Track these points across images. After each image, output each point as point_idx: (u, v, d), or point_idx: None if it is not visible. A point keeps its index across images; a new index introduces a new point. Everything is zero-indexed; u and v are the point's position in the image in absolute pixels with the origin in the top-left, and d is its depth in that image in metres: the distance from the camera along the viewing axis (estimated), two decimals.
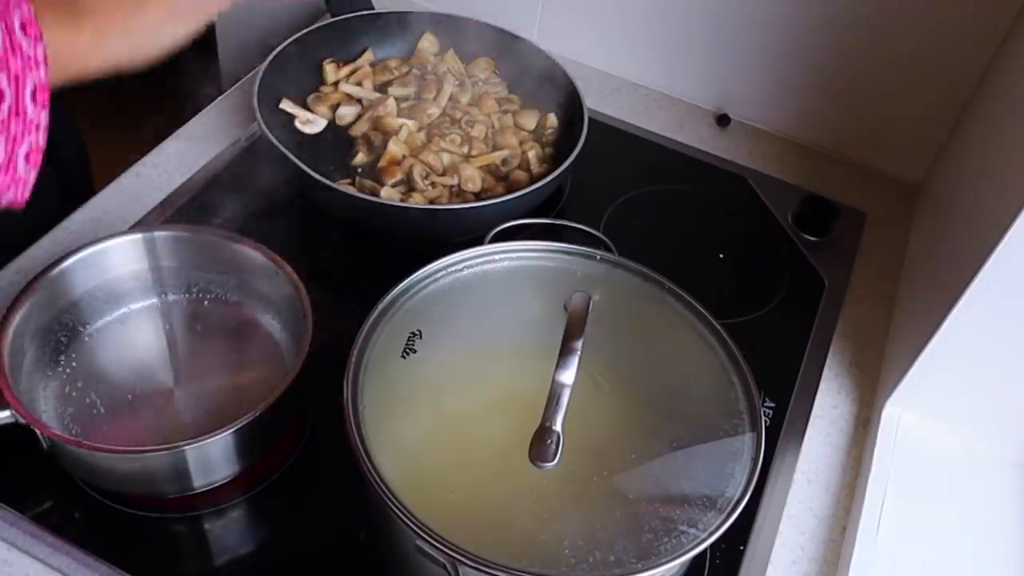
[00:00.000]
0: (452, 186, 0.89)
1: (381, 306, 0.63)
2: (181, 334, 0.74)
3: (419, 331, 0.62)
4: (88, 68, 0.55)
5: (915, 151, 1.05)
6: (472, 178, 0.89)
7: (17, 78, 0.50)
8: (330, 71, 0.99)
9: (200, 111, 1.00)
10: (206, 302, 0.76)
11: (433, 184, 0.88)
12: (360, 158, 0.92)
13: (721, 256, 0.94)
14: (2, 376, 0.61)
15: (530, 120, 0.97)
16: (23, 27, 0.51)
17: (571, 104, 0.96)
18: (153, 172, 0.92)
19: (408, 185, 0.88)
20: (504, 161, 0.92)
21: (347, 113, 0.96)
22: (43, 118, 0.53)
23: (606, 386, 0.62)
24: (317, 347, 0.65)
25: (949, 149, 1.00)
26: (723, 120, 1.11)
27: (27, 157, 0.53)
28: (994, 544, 0.71)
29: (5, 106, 0.50)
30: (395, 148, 0.90)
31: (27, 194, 0.55)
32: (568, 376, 0.57)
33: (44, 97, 0.53)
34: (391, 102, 0.95)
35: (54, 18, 0.52)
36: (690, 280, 0.68)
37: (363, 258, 0.88)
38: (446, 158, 0.91)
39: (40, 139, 0.53)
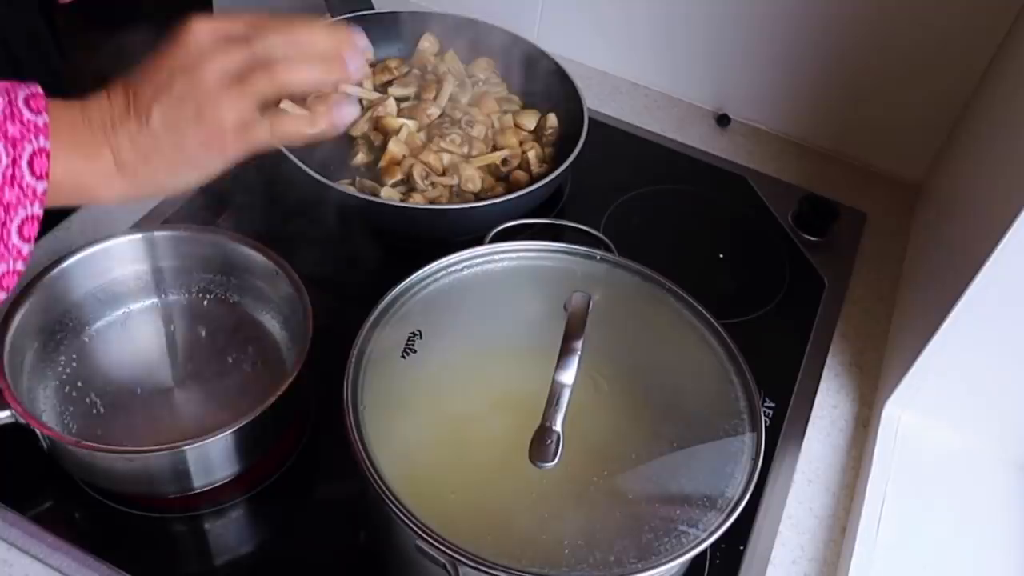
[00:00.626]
0: (452, 186, 0.89)
1: (381, 306, 0.63)
2: (181, 334, 0.74)
3: (419, 331, 0.62)
4: (96, 199, 0.54)
5: (915, 151, 1.05)
6: (472, 178, 0.89)
7: (15, 142, 0.49)
8: None
9: None
10: (206, 302, 0.76)
11: (433, 184, 0.88)
12: (360, 158, 0.92)
13: (721, 256, 0.94)
14: (2, 376, 0.61)
15: (530, 120, 0.97)
16: (27, 101, 0.50)
17: (571, 104, 0.95)
18: None
19: (408, 185, 0.88)
20: (504, 161, 0.92)
21: None
22: (40, 189, 0.50)
23: (606, 386, 0.62)
24: (317, 347, 0.65)
25: (949, 149, 1.00)
26: (723, 120, 1.11)
27: (20, 229, 0.51)
28: (994, 544, 0.71)
29: None
30: (395, 148, 0.90)
31: (19, 269, 0.52)
32: (568, 376, 0.57)
33: (43, 167, 0.50)
34: (391, 102, 0.95)
35: (68, 148, 0.51)
36: (690, 280, 0.68)
37: (363, 258, 0.88)
38: (446, 158, 0.91)
39: (37, 210, 0.51)
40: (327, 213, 0.88)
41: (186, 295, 0.76)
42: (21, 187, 0.49)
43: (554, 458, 0.55)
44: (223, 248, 0.73)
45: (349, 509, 0.68)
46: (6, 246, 0.50)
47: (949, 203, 0.90)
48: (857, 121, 1.06)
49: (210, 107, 0.52)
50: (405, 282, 0.65)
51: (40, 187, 0.50)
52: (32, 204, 0.50)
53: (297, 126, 0.55)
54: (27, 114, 0.49)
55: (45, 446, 0.63)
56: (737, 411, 0.61)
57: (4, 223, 0.49)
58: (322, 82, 0.55)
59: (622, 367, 0.64)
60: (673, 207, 0.99)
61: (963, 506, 0.74)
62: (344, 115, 0.57)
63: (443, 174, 0.90)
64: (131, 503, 0.66)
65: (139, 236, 0.72)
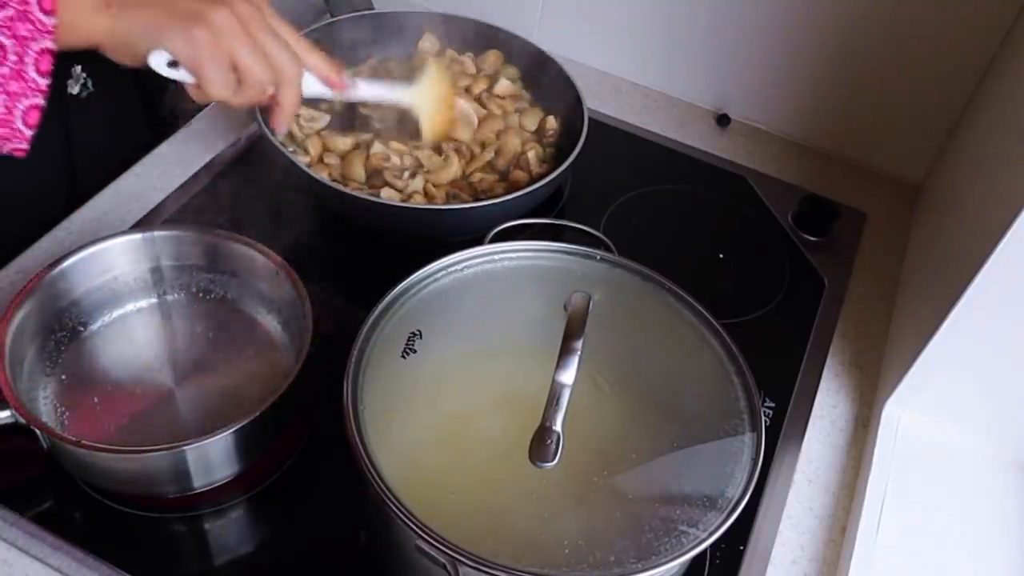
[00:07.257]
0: (450, 187, 0.89)
1: (381, 306, 0.63)
2: (181, 334, 0.74)
3: (419, 331, 0.62)
4: (84, 33, 0.61)
5: (915, 151, 1.05)
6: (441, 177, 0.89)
7: (24, 42, 0.56)
8: None
9: (200, 111, 1.00)
10: (206, 302, 0.76)
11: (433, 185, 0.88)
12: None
13: (721, 256, 0.94)
14: (2, 376, 0.61)
15: (531, 120, 0.97)
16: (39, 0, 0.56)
17: (571, 104, 0.95)
18: (153, 172, 0.92)
19: (382, 179, 0.88)
20: (497, 151, 0.91)
21: None
22: (43, 83, 0.59)
23: (606, 386, 0.62)
24: (317, 347, 0.65)
25: (949, 149, 1.00)
26: (723, 120, 1.11)
27: (25, 117, 0.59)
28: (994, 544, 0.72)
29: (7, 67, 0.56)
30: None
31: (26, 147, 0.61)
32: (568, 376, 0.57)
33: (48, 64, 0.59)
34: None
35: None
36: (690, 280, 0.68)
37: (363, 258, 0.88)
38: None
39: (40, 101, 0.59)
40: (327, 213, 0.88)
41: (186, 295, 0.76)
42: (33, 22, 0.57)
43: (554, 458, 0.55)
44: (223, 248, 0.73)
45: (349, 509, 0.69)
46: (26, 81, 0.58)
47: (949, 203, 0.90)
48: (857, 121, 1.06)
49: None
50: (405, 282, 0.65)
51: (50, 22, 0.58)
52: (44, 38, 0.58)
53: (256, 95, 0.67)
54: (36, 13, 0.57)
55: (45, 446, 0.63)
56: (737, 411, 0.61)
57: (22, 58, 0.57)
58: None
59: (622, 367, 0.64)
60: (673, 207, 1.00)
61: (963, 506, 0.74)
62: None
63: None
64: (131, 503, 0.66)
65: (139, 236, 0.72)
